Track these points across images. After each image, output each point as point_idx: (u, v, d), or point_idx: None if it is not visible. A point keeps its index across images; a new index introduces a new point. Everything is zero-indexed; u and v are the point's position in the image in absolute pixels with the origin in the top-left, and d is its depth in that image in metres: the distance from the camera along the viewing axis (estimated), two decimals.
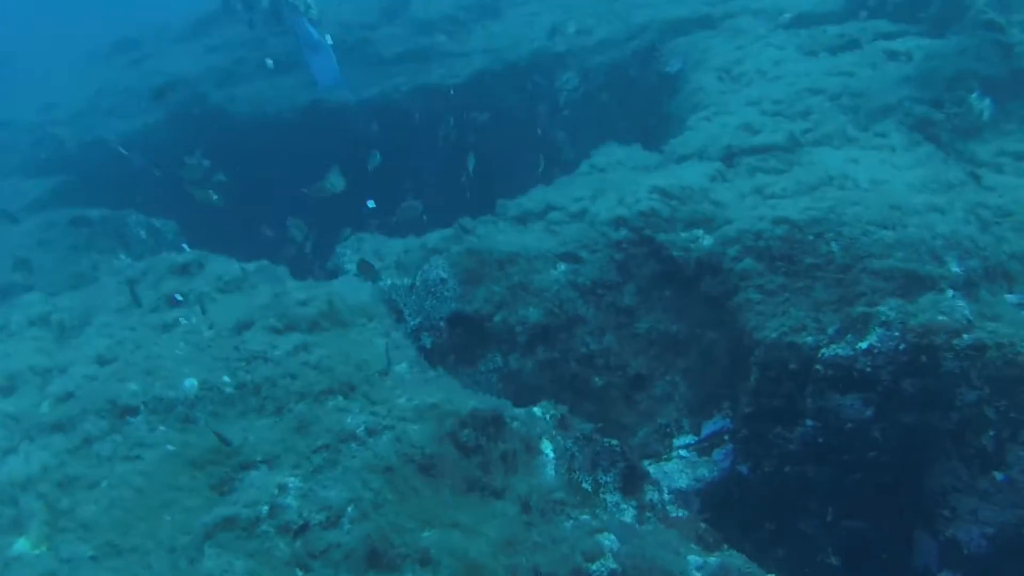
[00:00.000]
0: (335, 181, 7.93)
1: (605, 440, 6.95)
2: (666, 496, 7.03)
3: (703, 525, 6.81)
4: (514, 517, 5.83)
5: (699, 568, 5.83)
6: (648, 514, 6.81)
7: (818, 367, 7.19)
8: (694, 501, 7.69)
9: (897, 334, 6.90)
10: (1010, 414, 6.68)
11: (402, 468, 5.87)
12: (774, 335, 7.36)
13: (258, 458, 6.01)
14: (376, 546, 5.42)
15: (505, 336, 8.24)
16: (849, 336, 7.11)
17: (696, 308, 8.25)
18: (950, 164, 8.43)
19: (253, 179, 13.10)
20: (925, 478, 7.47)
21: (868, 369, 7.03)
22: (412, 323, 8.33)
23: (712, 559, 5.90)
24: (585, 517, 5.92)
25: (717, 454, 7.98)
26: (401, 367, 6.80)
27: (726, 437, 8.01)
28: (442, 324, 8.29)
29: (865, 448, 7.41)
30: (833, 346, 7.16)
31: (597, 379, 8.21)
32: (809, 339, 7.26)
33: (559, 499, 5.95)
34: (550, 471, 6.21)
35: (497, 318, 8.23)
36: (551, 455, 6.31)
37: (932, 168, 8.21)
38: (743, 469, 7.93)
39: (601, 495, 6.84)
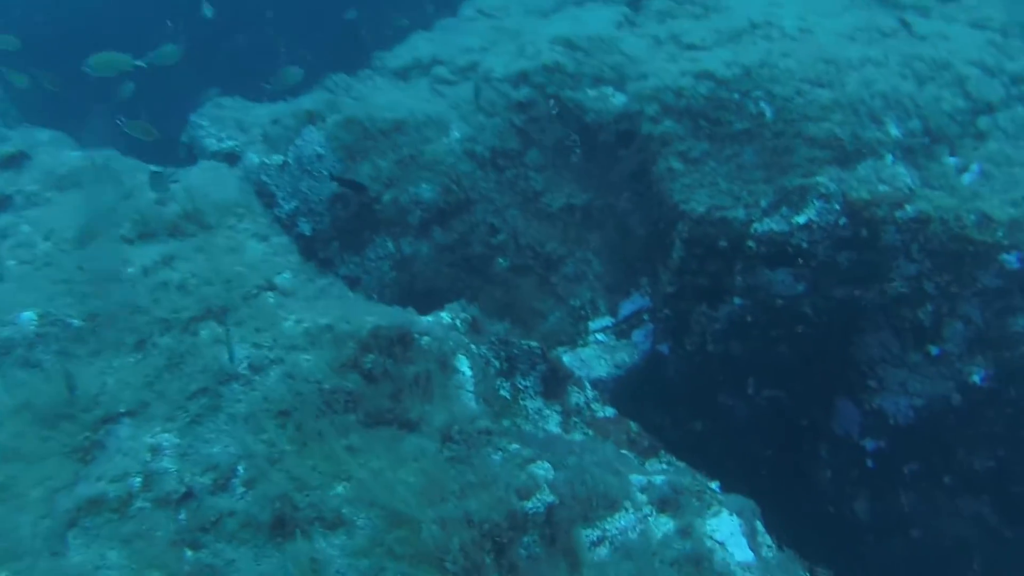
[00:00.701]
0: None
1: (523, 342, 6.22)
2: (590, 394, 6.41)
3: (634, 427, 6.26)
4: (435, 455, 5.07)
5: (643, 489, 5.27)
6: (575, 419, 6.20)
7: (750, 243, 6.56)
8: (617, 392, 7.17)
9: (837, 207, 6.29)
10: (951, 289, 6.27)
11: (298, 410, 4.99)
12: (701, 209, 6.64)
13: (121, 409, 5.01)
14: (278, 510, 4.61)
15: (396, 218, 7.26)
16: (784, 209, 6.47)
17: (609, 176, 7.42)
18: (874, 8, 7.64)
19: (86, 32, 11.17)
20: (852, 349, 7.11)
21: (804, 244, 6.44)
22: (287, 207, 7.20)
23: (657, 478, 5.34)
24: (515, 446, 5.22)
25: (636, 335, 7.39)
26: (283, 277, 5.79)
27: (645, 317, 7.41)
28: (322, 208, 7.21)
29: (794, 323, 6.96)
30: (767, 220, 6.51)
31: (502, 260, 7.39)
32: (740, 213, 6.58)
33: (483, 428, 5.21)
34: (470, 393, 5.44)
35: (386, 197, 7.21)
36: (468, 373, 5.53)
37: (859, 13, 7.41)
38: (663, 349, 7.41)
39: (521, 402, 6.18)
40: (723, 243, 6.61)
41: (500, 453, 5.18)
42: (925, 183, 6.35)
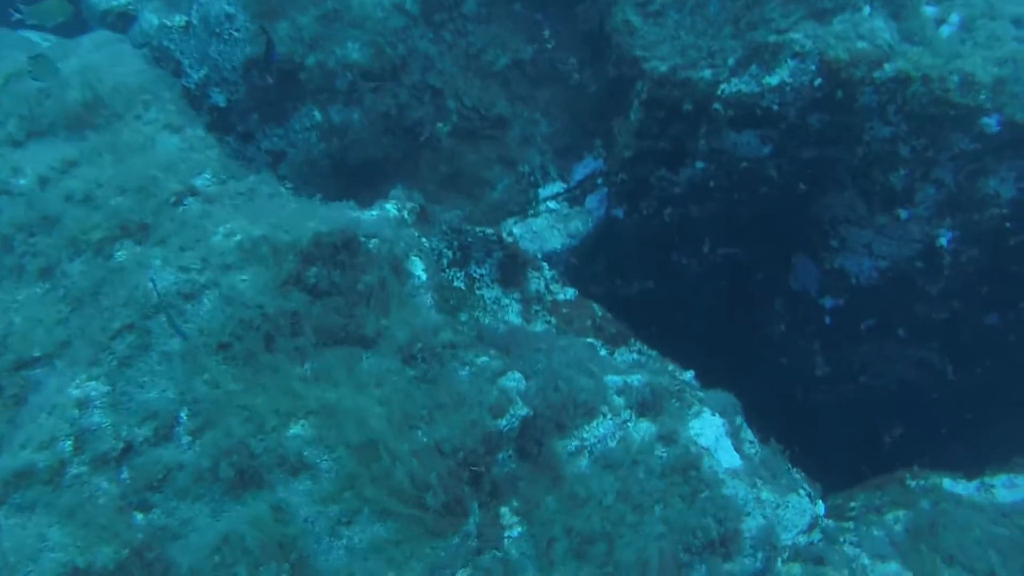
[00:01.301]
0: None
1: (478, 229, 5.71)
2: (548, 275, 6.00)
3: (598, 311, 5.91)
4: (398, 376, 4.64)
5: (621, 392, 4.97)
6: (535, 307, 5.82)
7: (717, 106, 6.03)
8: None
9: (813, 67, 5.76)
10: (927, 153, 5.89)
11: (241, 341, 4.45)
12: (664, 68, 6.04)
13: (36, 352, 4.40)
14: (232, 459, 4.17)
15: (323, 83, 6.45)
16: (754, 68, 5.90)
17: (556, 26, 6.68)
18: None
19: None
20: (814, 208, 6.80)
21: (775, 107, 5.95)
22: (195, 76, 6.32)
23: (634, 378, 5.03)
24: (483, 359, 4.81)
25: (590, 201, 6.91)
26: (205, 179, 5.06)
27: (599, 180, 6.90)
28: (237, 75, 6.34)
29: (757, 185, 6.57)
30: (735, 80, 5.96)
31: (442, 125, 6.71)
32: (707, 73, 6.00)
33: (448, 341, 4.77)
34: (428, 300, 4.95)
35: (310, 60, 6.37)
36: (424, 277, 5.01)
37: None
38: (618, 213, 6.97)
39: (478, 291, 5.75)
40: (688, 106, 6.07)
41: (467, 368, 4.77)
42: (904, 37, 5.83)
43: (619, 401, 4.94)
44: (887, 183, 6.11)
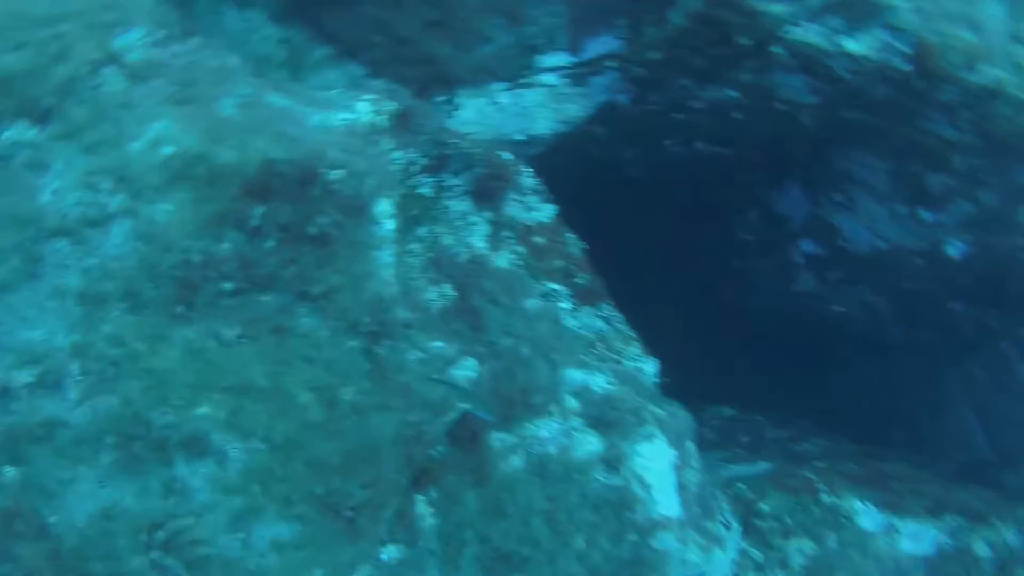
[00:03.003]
0: None
1: (465, 145, 4.78)
2: (528, 185, 5.15)
3: (574, 250, 5.17)
4: (337, 346, 3.95)
5: (577, 394, 4.47)
6: (506, 233, 5.04)
7: (777, 49, 5.04)
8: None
9: (907, 50, 4.81)
10: (980, 175, 5.30)
11: (155, 289, 3.65)
12: None
13: None
14: (125, 428, 3.55)
15: None
16: (835, 20, 4.87)
17: None
18: None
19: None
20: (831, 151, 6.09)
21: (844, 74, 5.00)
22: None
23: (597, 379, 4.51)
24: (438, 344, 4.15)
25: (595, 83, 5.88)
26: (131, 38, 3.87)
27: (611, 64, 5.83)
28: None
29: (784, 127, 5.80)
30: (809, 27, 5.00)
31: None
32: (778, 8, 4.92)
33: (403, 320, 4.06)
34: (389, 259, 4.14)
35: None
36: (390, 226, 4.17)
37: None
38: (622, 99, 6.03)
39: (444, 202, 4.93)
40: (744, 40, 5.02)
41: (419, 353, 4.11)
42: (1014, 34, 4.84)
43: (572, 404, 4.45)
44: (923, 181, 5.42)
